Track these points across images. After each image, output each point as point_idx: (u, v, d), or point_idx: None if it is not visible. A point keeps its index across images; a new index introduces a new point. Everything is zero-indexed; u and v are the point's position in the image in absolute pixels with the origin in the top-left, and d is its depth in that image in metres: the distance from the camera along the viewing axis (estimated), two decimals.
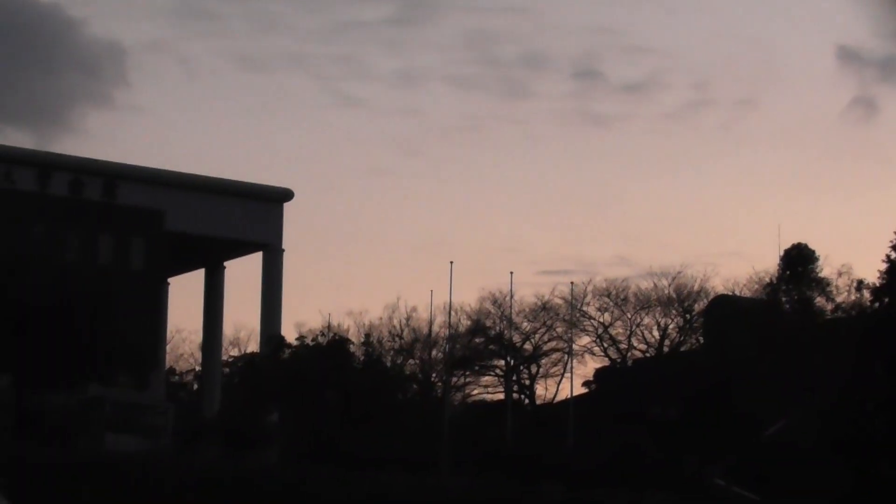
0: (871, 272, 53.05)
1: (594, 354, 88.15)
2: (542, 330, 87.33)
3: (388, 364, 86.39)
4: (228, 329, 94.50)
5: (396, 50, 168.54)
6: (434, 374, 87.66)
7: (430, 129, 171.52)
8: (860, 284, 76.52)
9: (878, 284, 46.78)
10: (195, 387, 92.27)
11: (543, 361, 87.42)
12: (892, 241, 43.05)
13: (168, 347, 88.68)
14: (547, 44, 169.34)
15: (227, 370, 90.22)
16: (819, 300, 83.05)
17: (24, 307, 66.09)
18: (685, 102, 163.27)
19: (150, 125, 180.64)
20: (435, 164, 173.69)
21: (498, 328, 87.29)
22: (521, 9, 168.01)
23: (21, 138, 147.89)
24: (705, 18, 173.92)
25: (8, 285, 66.92)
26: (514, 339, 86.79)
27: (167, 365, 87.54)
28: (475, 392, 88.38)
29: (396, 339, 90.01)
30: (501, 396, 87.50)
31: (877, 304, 46.88)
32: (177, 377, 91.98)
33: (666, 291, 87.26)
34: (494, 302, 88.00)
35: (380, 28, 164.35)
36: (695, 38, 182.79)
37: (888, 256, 42.93)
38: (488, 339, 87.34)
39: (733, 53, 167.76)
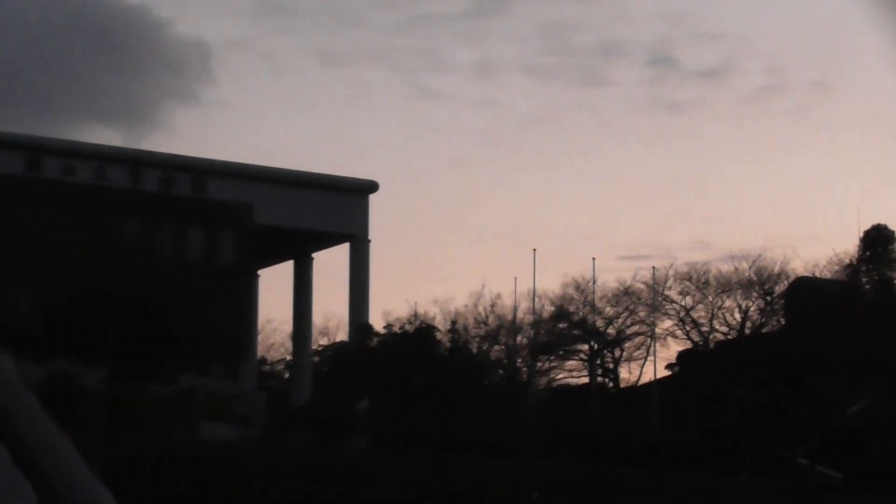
0: None
1: (676, 338, 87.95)
2: (625, 314, 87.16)
3: (474, 350, 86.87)
4: (318, 319, 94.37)
5: (473, 42, 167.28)
6: (519, 360, 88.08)
7: (509, 119, 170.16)
8: None
9: None
10: (286, 376, 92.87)
11: (626, 345, 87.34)
12: None
13: (259, 338, 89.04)
14: (621, 31, 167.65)
15: (316, 359, 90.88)
16: None
17: (118, 301, 67.21)
18: (760, 87, 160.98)
19: (236, 121, 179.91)
20: (514, 153, 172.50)
21: (581, 313, 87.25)
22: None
23: (112, 136, 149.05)
24: (777, 1, 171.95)
25: (102, 280, 68.33)
26: (597, 323, 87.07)
27: (258, 355, 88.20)
28: (559, 376, 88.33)
29: (482, 325, 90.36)
30: (586, 380, 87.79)
31: None
32: (268, 366, 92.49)
33: (746, 274, 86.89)
34: (577, 287, 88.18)
35: (456, 20, 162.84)
36: (767, 21, 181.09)
37: None
38: (572, 324, 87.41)
39: (806, 37, 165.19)
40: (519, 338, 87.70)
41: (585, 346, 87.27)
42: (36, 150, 79.58)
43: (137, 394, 68.31)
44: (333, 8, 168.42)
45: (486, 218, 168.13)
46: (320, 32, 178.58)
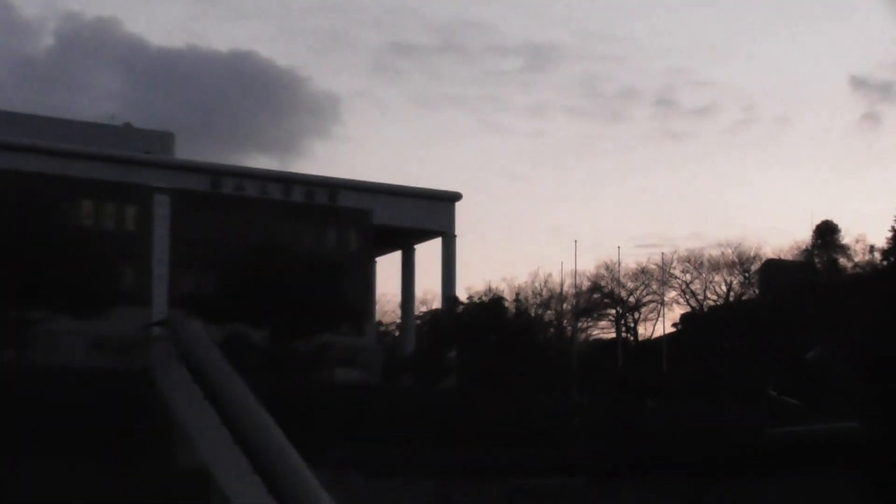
0: (880, 239, 61.06)
1: (679, 304, 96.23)
2: (641, 287, 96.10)
3: (532, 315, 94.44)
4: (419, 292, 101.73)
5: (528, 89, 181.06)
6: (565, 321, 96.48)
7: (554, 146, 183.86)
8: (872, 248, 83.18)
9: (885, 248, 52.47)
10: (396, 334, 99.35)
11: (643, 309, 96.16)
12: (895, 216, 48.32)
13: (377, 307, 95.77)
14: (636, 81, 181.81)
15: (418, 321, 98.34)
16: (842, 261, 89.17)
17: (277, 281, 72.48)
18: (737, 121, 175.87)
19: (358, 149, 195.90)
20: (558, 171, 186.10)
21: (609, 287, 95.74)
22: (616, 56, 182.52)
23: (269, 162, 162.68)
24: (751, 58, 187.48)
25: (265, 266, 74.30)
26: (621, 294, 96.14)
27: (376, 319, 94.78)
28: (594, 333, 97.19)
29: (538, 296, 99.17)
30: (613, 335, 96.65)
31: (884, 262, 52.57)
32: (383, 327, 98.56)
33: (730, 257, 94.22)
34: (606, 268, 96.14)
35: (516, 74, 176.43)
36: (743, 72, 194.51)
37: (893, 227, 48.48)
38: (603, 295, 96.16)
39: (771, 82, 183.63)
40: (565, 305, 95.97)
41: (613, 311, 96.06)
42: (217, 173, 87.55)
43: (290, 348, 75.09)
44: (427, 67, 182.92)
45: (540, 218, 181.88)
46: (417, 84, 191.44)
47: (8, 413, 58.25)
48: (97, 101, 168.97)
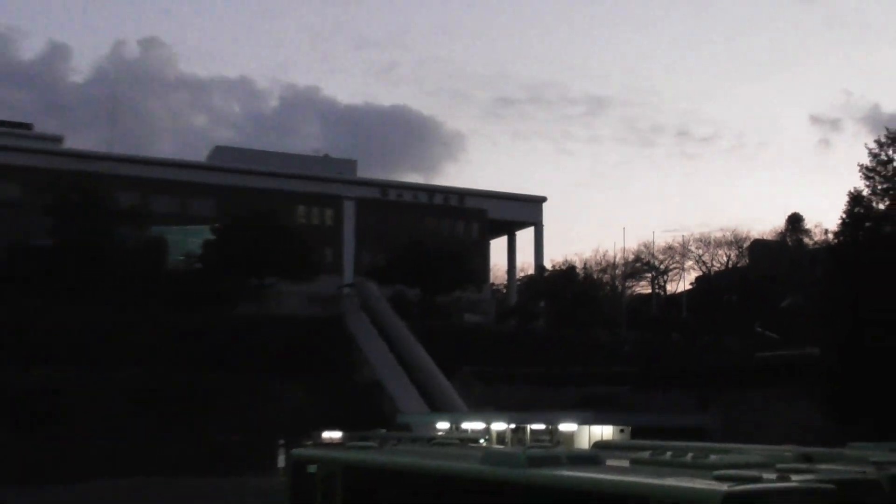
0: (832, 225, 60.43)
1: (694, 269, 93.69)
2: (668, 258, 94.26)
3: (594, 277, 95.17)
4: (519, 263, 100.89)
5: (587, 127, 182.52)
6: (616, 282, 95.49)
7: (606, 164, 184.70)
8: (826, 231, 77.20)
9: (835, 231, 52.02)
10: (504, 291, 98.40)
11: (669, 273, 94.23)
12: (845, 208, 47.62)
13: (491, 273, 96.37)
14: (662, 119, 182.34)
15: (518, 283, 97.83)
16: (806, 240, 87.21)
17: (425, 258, 74.10)
18: (731, 145, 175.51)
19: (476, 168, 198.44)
20: (609, 180, 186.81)
21: (646, 258, 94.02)
22: (648, 103, 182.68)
23: (418, 178, 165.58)
24: (739, 101, 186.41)
25: (417, 248, 74.95)
26: (654, 263, 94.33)
27: (491, 281, 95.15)
28: (636, 289, 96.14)
29: (598, 265, 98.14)
30: (649, 291, 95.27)
31: (835, 241, 51.70)
32: (495, 287, 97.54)
33: (729, 238, 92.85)
34: (644, 246, 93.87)
35: (579, 117, 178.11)
36: (734, 111, 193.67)
37: (841, 217, 47.93)
38: (642, 264, 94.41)
39: (754, 118, 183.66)
40: (616, 271, 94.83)
41: (649, 275, 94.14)
42: (383, 186, 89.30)
43: (434, 301, 76.46)
44: (519, 112, 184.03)
45: (598, 212, 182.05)
46: (513, 124, 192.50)
47: (253, 346, 60.98)
48: (306, 140, 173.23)
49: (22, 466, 47.81)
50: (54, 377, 53.44)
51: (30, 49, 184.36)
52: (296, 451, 18.93)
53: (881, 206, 46.78)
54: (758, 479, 10.92)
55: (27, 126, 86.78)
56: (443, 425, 45.32)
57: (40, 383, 52.48)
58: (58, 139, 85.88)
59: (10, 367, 52.80)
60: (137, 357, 57.23)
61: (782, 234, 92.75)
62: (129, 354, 57.38)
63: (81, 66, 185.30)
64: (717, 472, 11.36)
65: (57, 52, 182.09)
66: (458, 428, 43.31)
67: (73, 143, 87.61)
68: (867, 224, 46.59)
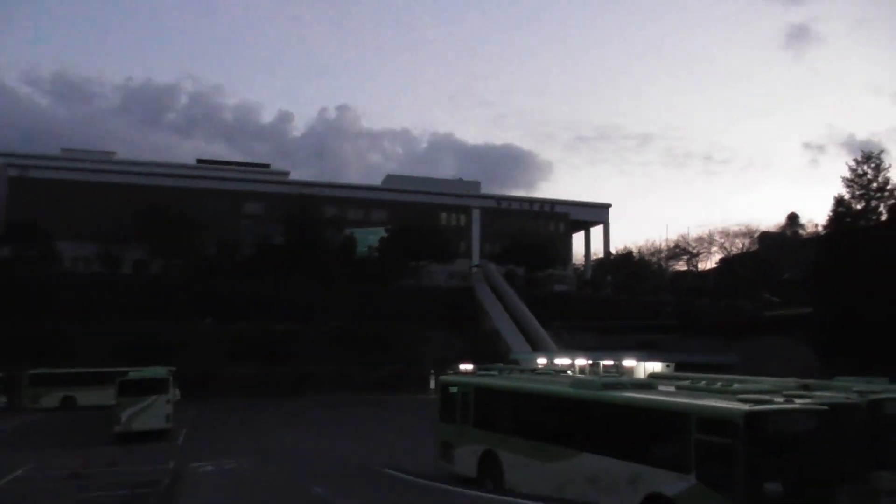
0: (822, 221, 57.72)
1: (718, 253, 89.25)
2: (699, 245, 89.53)
3: (646, 259, 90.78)
4: (592, 250, 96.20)
5: (638, 155, 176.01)
6: (661, 262, 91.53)
7: (653, 181, 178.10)
8: (817, 226, 74.09)
9: (824, 225, 50.78)
10: (581, 269, 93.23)
11: (700, 256, 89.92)
12: (831, 208, 46.91)
13: (572, 257, 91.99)
14: (692, 148, 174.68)
15: (592, 264, 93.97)
16: (801, 232, 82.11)
17: (531, 246, 73.46)
18: (743, 165, 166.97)
19: (562, 185, 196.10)
20: (656, 192, 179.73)
21: (683, 245, 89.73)
22: (682, 136, 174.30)
23: (521, 192, 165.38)
24: (748, 132, 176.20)
25: (522, 241, 74.40)
26: (689, 248, 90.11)
27: (573, 261, 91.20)
28: (675, 267, 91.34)
29: (648, 250, 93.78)
30: (685, 268, 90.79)
31: (824, 232, 50.85)
32: (575, 266, 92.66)
33: (743, 230, 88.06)
34: (682, 237, 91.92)
35: (633, 147, 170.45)
36: (745, 140, 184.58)
37: (829, 215, 46.66)
38: (680, 249, 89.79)
39: (761, 145, 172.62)
40: (662, 255, 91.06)
41: (685, 257, 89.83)
42: (499, 199, 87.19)
43: (534, 275, 73.80)
44: (590, 146, 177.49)
45: (648, 213, 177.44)
46: (586, 155, 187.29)
47: (413, 306, 61.54)
48: (446, 169, 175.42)
49: (266, 387, 49.76)
50: (286, 329, 55.40)
51: (267, 116, 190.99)
52: (443, 377, 19.07)
53: (858, 207, 46.28)
54: (770, 401, 10.53)
55: (266, 165, 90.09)
56: (541, 361, 44.76)
57: (277, 333, 54.49)
58: (285, 174, 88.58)
59: (256, 322, 55.01)
60: (338, 314, 58.99)
61: (783, 228, 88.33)
62: (333, 313, 59.15)
63: (299, 125, 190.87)
64: (740, 396, 10.99)
65: (284, 117, 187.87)
66: (551, 363, 42.71)
67: (295, 175, 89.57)
68: (847, 220, 46.27)
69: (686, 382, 14.04)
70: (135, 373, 31.41)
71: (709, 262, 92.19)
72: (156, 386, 29.19)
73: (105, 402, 36.06)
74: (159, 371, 32.54)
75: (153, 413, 28.54)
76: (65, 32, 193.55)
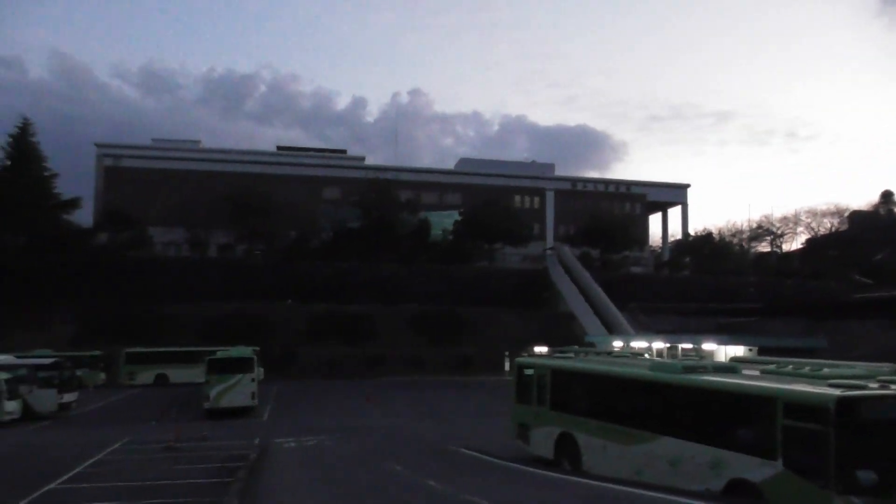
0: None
1: (804, 233, 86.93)
2: (783, 225, 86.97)
3: (727, 240, 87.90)
4: (670, 231, 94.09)
5: (716, 133, 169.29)
6: (743, 243, 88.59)
7: (731, 159, 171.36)
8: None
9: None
10: (658, 251, 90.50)
11: (784, 237, 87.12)
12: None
13: (649, 237, 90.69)
14: (774, 126, 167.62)
15: (670, 245, 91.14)
16: (895, 209, 78.64)
17: (602, 228, 72.03)
18: (827, 142, 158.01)
19: (636, 165, 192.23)
20: (736, 170, 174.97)
21: (767, 225, 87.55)
22: (764, 114, 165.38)
23: (595, 174, 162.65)
24: (836, 106, 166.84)
25: (597, 223, 72.40)
26: (773, 229, 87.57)
27: (649, 243, 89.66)
28: (758, 248, 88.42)
29: (729, 231, 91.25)
30: (769, 249, 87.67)
31: None
32: (652, 248, 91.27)
33: (832, 209, 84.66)
34: (765, 216, 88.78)
35: (710, 126, 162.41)
36: (829, 114, 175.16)
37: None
38: (763, 230, 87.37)
39: (848, 121, 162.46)
40: (743, 235, 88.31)
41: (768, 238, 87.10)
42: (573, 180, 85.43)
43: (609, 257, 72.83)
44: (665, 125, 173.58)
45: (730, 192, 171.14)
46: (660, 134, 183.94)
47: (487, 289, 61.56)
48: (518, 152, 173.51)
49: (344, 367, 50.85)
50: (363, 310, 56.43)
51: (341, 102, 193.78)
52: (518, 359, 19.01)
53: None
54: (863, 387, 10.00)
55: (342, 151, 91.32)
56: (617, 343, 44.30)
57: (356, 313, 55.61)
58: (361, 158, 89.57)
59: (335, 304, 56.24)
60: (414, 296, 59.69)
61: (876, 206, 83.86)
62: (409, 295, 59.92)
63: (373, 110, 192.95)
64: (830, 381, 10.53)
65: (358, 103, 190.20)
66: (628, 346, 42.11)
67: (370, 160, 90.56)
68: None
69: (772, 366, 13.44)
70: (222, 352, 32.67)
71: (794, 243, 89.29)
72: (242, 365, 30.26)
73: (195, 380, 38.15)
74: (245, 350, 33.79)
75: (240, 391, 29.64)
76: (149, 26, 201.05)
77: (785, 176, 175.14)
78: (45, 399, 29.48)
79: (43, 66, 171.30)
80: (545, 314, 61.34)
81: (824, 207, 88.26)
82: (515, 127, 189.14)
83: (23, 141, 59.38)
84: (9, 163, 58.32)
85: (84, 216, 66.59)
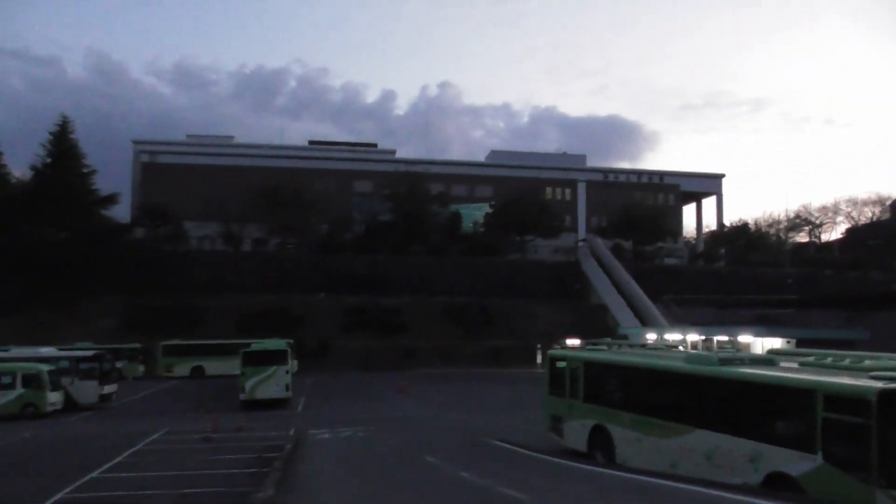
0: None
1: (844, 223, 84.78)
2: (822, 214, 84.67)
3: (763, 231, 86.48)
4: (704, 222, 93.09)
5: (751, 122, 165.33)
6: (780, 234, 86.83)
7: (767, 146, 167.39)
8: None
9: None
10: (693, 242, 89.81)
11: (823, 226, 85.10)
12: None
13: (683, 229, 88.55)
14: (808, 112, 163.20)
15: (705, 236, 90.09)
16: None
17: (634, 219, 70.97)
18: (871, 127, 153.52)
19: (668, 155, 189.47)
20: (771, 158, 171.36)
21: (805, 215, 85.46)
22: (795, 100, 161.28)
23: (626, 164, 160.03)
24: (872, 95, 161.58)
25: (630, 214, 72.32)
26: (811, 218, 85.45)
27: (683, 234, 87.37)
28: (796, 239, 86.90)
29: (766, 222, 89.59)
30: (807, 240, 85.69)
31: None
32: (685, 239, 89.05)
33: (874, 198, 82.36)
34: (803, 206, 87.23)
35: (744, 114, 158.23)
36: (869, 101, 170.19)
37: None
38: (801, 219, 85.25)
39: (886, 108, 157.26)
40: (780, 225, 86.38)
41: (807, 227, 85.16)
42: (604, 171, 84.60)
43: (642, 248, 71.89)
44: (698, 113, 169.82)
45: (763, 181, 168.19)
46: (693, 122, 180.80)
47: (518, 281, 61.54)
48: (549, 143, 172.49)
49: (377, 359, 51.16)
50: (396, 303, 56.77)
51: (371, 96, 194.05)
52: (551, 352, 18.94)
53: None
54: None
55: (373, 145, 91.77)
56: (651, 336, 43.71)
57: (389, 306, 55.98)
58: (392, 152, 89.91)
59: (368, 297, 56.66)
60: (445, 288, 59.91)
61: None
62: (441, 287, 60.13)
63: (402, 103, 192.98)
64: (872, 373, 10.35)
65: (387, 96, 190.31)
66: (661, 338, 41.56)
67: (400, 153, 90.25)
68: None
69: (811, 359, 13.28)
70: (257, 344, 33.17)
71: (833, 233, 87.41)
72: (276, 357, 30.65)
73: (230, 372, 38.75)
74: (279, 343, 34.29)
75: (274, 382, 30.03)
76: (182, 23, 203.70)
77: (823, 164, 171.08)
78: (87, 390, 30.22)
79: (79, 64, 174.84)
80: (577, 306, 61.12)
81: (865, 196, 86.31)
82: (545, 118, 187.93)
83: (63, 138, 60.85)
84: (50, 160, 59.55)
85: (121, 211, 68.47)
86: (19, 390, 27.50)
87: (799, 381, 10.73)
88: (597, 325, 56.44)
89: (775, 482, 10.45)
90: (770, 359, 13.39)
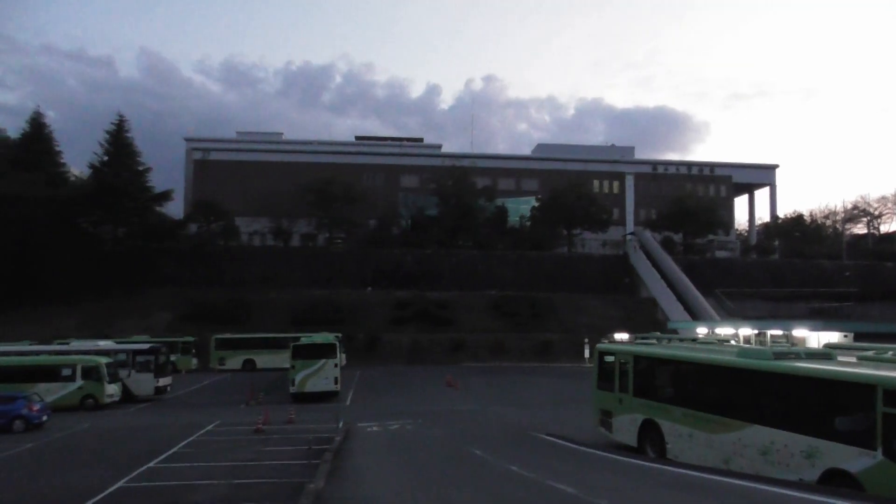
0: None
1: None
2: (882, 205, 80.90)
3: (819, 223, 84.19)
4: (757, 214, 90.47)
5: (802, 111, 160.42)
6: (837, 225, 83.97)
7: (823, 137, 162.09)
8: None
9: None
10: (745, 234, 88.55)
11: (883, 217, 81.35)
12: None
13: (735, 221, 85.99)
14: (866, 100, 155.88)
15: (756, 228, 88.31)
16: None
17: (689, 212, 68.72)
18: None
19: (718, 146, 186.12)
20: (826, 148, 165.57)
21: (863, 206, 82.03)
22: (853, 89, 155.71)
23: (675, 156, 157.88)
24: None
25: (680, 206, 69.32)
26: (870, 209, 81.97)
27: (735, 227, 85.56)
28: (854, 230, 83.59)
29: (822, 213, 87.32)
30: (865, 231, 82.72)
31: None
32: (738, 231, 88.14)
33: None
34: (862, 197, 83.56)
35: (797, 101, 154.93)
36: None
37: None
38: (860, 211, 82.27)
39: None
40: (838, 217, 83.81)
41: (865, 219, 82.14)
42: (654, 163, 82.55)
43: (693, 242, 70.87)
44: (749, 104, 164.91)
45: (817, 172, 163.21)
46: (743, 112, 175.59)
47: (566, 275, 60.95)
48: (595, 135, 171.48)
49: (424, 352, 51.41)
50: (444, 297, 56.99)
51: (416, 90, 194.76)
52: (600, 346, 18.77)
53: None
54: None
55: (419, 139, 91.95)
56: (701, 330, 43.03)
57: (437, 299, 56.24)
58: (438, 146, 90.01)
59: (415, 291, 57.00)
60: (492, 282, 59.91)
61: None
62: (488, 281, 60.15)
63: (447, 97, 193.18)
64: None
65: (432, 90, 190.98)
66: (713, 332, 40.86)
67: (447, 148, 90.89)
68: None
69: (870, 353, 12.92)
70: (306, 338, 33.62)
71: (893, 224, 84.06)
72: (325, 350, 30.85)
73: (280, 365, 39.49)
74: (328, 337, 34.67)
75: (323, 376, 30.34)
76: (229, 22, 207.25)
77: (882, 153, 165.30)
78: (143, 382, 31.14)
79: (132, 64, 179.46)
80: (626, 300, 60.37)
81: None
82: (591, 110, 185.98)
83: (119, 137, 62.58)
84: (107, 158, 61.35)
85: (175, 208, 70.30)
86: (79, 382, 28.28)
87: (858, 376, 10.41)
88: (646, 320, 55.75)
89: (834, 478, 10.22)
90: (827, 353, 13.04)
